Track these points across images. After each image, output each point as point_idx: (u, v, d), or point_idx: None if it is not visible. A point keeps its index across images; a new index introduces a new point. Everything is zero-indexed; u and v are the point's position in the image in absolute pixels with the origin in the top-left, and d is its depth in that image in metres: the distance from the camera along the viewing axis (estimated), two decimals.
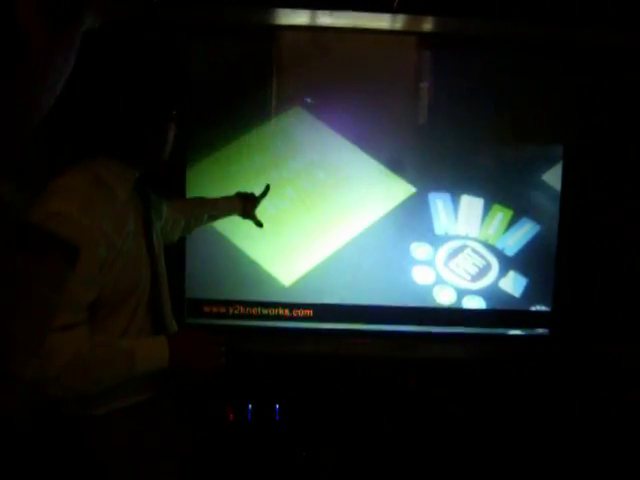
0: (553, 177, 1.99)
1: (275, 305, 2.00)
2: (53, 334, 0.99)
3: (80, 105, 1.10)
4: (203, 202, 1.65)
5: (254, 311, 2.00)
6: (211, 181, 1.95)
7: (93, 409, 1.11)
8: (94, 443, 1.12)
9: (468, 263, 2.01)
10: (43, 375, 0.98)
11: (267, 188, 1.71)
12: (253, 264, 1.99)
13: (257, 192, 1.72)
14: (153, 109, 1.11)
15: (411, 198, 1.99)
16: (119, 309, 1.12)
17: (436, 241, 2.00)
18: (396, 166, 1.99)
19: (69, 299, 1.00)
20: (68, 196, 1.02)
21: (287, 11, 1.81)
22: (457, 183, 2.00)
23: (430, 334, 2.02)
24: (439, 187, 1.99)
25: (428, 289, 2.01)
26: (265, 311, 2.00)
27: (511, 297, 2.02)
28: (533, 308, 2.03)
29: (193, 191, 1.94)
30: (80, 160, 1.11)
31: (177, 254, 1.96)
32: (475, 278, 2.01)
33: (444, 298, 2.02)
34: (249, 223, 1.72)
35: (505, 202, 2.00)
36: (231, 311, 2.00)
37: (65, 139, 1.17)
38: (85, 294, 1.03)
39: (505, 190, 2.00)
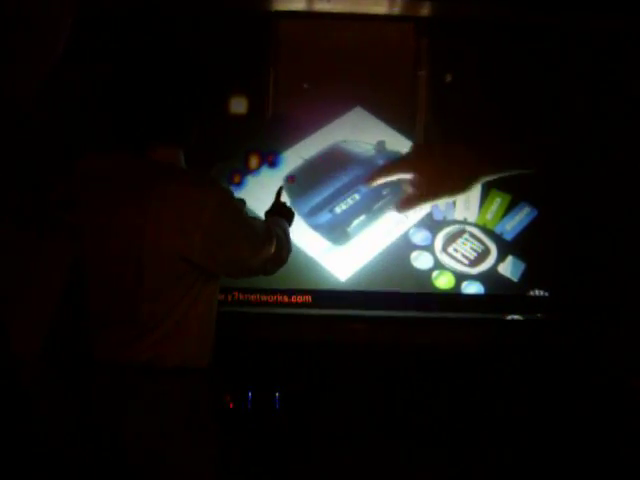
0: (551, 161, 1.99)
1: (273, 291, 1.99)
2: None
3: (134, 97, 1.17)
4: None
5: (252, 297, 2.00)
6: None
7: (198, 362, 1.21)
8: (198, 397, 1.21)
9: (466, 248, 2.01)
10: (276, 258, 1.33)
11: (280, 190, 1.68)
12: None
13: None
14: (200, 92, 1.22)
15: None
16: None
17: (434, 226, 2.00)
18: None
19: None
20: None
21: None
22: None
23: (428, 319, 2.02)
24: None
25: (426, 274, 2.01)
26: (263, 297, 2.00)
27: (509, 282, 2.02)
28: (532, 293, 2.03)
29: None
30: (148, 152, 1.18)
31: None
32: (473, 263, 2.01)
33: (442, 283, 2.02)
34: None
35: (503, 187, 2.00)
36: (229, 298, 1.99)
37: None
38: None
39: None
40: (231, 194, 1.21)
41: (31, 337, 1.11)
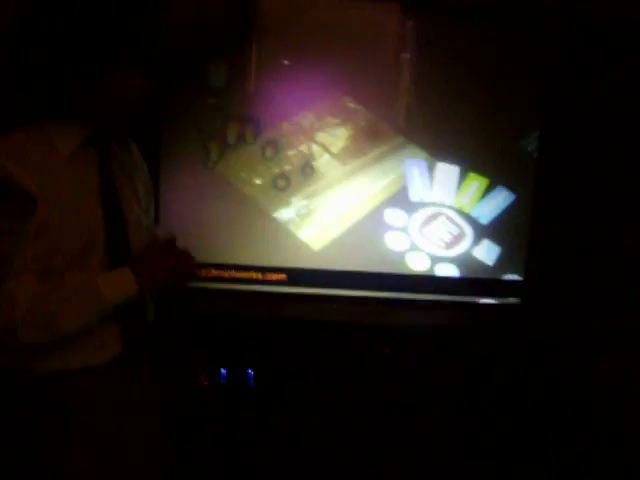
0: (530, 146, 1.99)
1: (248, 269, 1.99)
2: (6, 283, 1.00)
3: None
4: None
5: (226, 274, 1.99)
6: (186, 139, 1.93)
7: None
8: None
9: (442, 231, 2.01)
10: (9, 325, 0.99)
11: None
12: (225, 226, 1.97)
13: None
14: (83, 55, 1.01)
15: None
16: (81, 266, 1.10)
17: (410, 207, 2.00)
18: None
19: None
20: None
21: None
22: (433, 150, 1.99)
23: (403, 301, 2.03)
24: (415, 154, 1.99)
25: (401, 256, 2.01)
26: (238, 274, 1.99)
27: (484, 265, 2.03)
28: (506, 277, 2.04)
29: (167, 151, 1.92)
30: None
31: None
32: (449, 246, 2.02)
33: (417, 265, 2.02)
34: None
35: (481, 171, 2.00)
36: (204, 273, 1.98)
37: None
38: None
39: (481, 159, 1.99)
40: None
41: None
